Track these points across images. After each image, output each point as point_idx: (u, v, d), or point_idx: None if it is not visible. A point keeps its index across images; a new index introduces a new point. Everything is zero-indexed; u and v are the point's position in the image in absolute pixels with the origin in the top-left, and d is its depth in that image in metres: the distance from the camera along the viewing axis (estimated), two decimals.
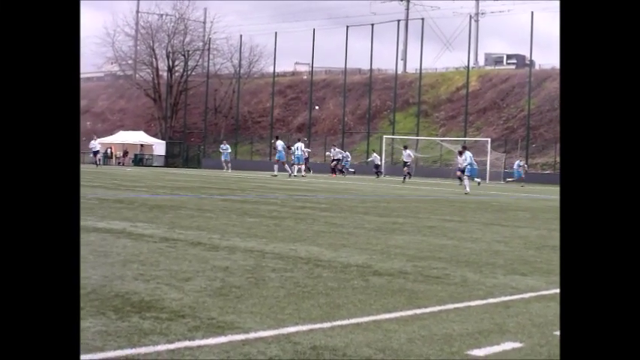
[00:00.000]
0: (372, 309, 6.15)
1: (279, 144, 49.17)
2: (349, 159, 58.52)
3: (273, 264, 8.35)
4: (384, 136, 62.33)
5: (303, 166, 49.04)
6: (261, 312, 5.86)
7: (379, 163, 56.24)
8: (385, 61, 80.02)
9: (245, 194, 23.54)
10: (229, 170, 54.07)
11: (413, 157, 50.79)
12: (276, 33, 75.75)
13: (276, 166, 48.30)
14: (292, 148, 48.80)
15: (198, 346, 4.76)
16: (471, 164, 32.50)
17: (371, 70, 73.70)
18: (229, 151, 56.87)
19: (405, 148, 49.55)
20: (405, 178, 44.85)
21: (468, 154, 32.85)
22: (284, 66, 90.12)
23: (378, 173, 53.62)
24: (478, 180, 36.28)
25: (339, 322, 5.63)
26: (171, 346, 4.72)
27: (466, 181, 32.26)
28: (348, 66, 73.93)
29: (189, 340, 4.88)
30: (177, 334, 5.02)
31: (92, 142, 59.36)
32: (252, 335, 5.10)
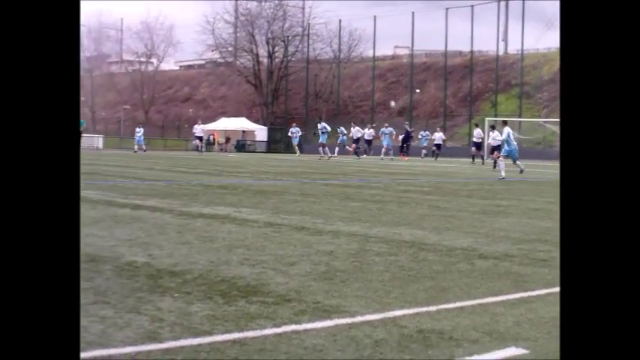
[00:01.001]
0: (478, 292, 6.09)
1: (323, 126, 49.27)
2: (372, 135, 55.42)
3: (377, 248, 8.34)
4: (487, 119, 61.61)
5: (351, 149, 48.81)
6: (366, 296, 5.86)
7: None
8: (486, 43, 78.65)
9: (347, 178, 23.56)
10: (298, 154, 53.41)
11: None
12: (375, 17, 75.58)
13: (326, 149, 47.98)
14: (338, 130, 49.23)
15: (305, 330, 4.78)
16: (508, 142, 26.70)
17: (472, 52, 72.85)
18: (300, 134, 55.62)
19: (493, 128, 42.98)
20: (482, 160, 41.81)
21: (507, 129, 26.92)
22: (383, 49, 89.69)
23: (474, 157, 51.25)
24: (520, 165, 27.63)
25: (445, 306, 5.59)
26: (278, 330, 4.76)
27: (501, 164, 26.43)
28: (448, 48, 73.30)
29: (296, 324, 4.91)
30: (283, 318, 5.06)
31: (195, 126, 58.37)
32: (358, 319, 5.10)
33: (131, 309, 5.20)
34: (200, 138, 57.79)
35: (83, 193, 14.37)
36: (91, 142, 66.84)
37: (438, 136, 55.41)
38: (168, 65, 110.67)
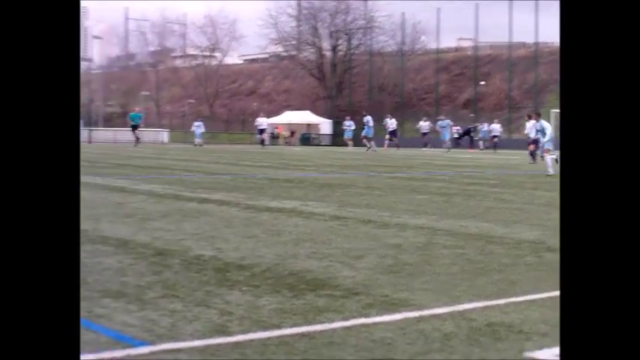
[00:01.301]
0: (547, 285, 6.01)
1: (367, 120, 49.03)
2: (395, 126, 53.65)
3: (444, 241, 8.29)
4: (552, 110, 60.88)
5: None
6: (434, 289, 5.83)
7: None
8: (550, 34, 77.58)
9: (412, 171, 23.49)
10: (350, 147, 52.45)
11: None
12: (438, 9, 75.16)
13: (372, 142, 47.69)
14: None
15: (374, 323, 4.77)
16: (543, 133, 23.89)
17: (536, 43, 72.00)
18: (353, 127, 54.68)
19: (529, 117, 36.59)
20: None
21: (543, 123, 24.31)
22: (447, 42, 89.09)
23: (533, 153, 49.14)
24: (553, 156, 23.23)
25: (513, 299, 5.54)
26: (347, 324, 4.75)
27: (547, 159, 22.73)
28: (512, 40, 72.56)
29: (365, 317, 4.90)
30: (351, 312, 5.05)
31: (258, 119, 56.45)
32: (426, 312, 5.08)
33: (200, 302, 5.24)
34: (263, 131, 55.97)
35: (150, 187, 14.53)
36: (156, 136, 67.54)
37: (496, 128, 54.87)
38: (232, 59, 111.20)
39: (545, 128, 23.97)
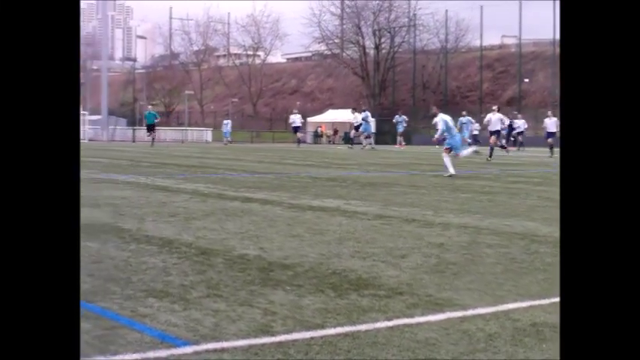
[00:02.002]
0: None
1: (402, 119, 48.75)
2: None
3: (488, 240, 8.24)
4: None
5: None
6: (478, 288, 5.80)
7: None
8: None
9: (455, 170, 23.35)
10: (400, 145, 51.03)
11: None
12: (481, 7, 74.70)
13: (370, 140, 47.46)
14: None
15: (417, 323, 4.76)
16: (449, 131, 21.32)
17: None
18: (404, 122, 53.31)
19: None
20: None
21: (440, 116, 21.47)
22: (491, 39, 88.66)
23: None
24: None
25: (558, 299, 5.48)
26: (390, 324, 4.74)
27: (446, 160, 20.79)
28: (556, 37, 71.95)
29: (408, 318, 4.88)
30: (395, 311, 5.04)
31: (292, 116, 52.42)
32: (470, 312, 5.06)
33: (243, 302, 5.25)
34: (297, 129, 51.68)
35: (194, 186, 14.61)
36: (200, 135, 67.89)
37: (519, 124, 53.70)
38: (275, 58, 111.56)
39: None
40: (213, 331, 4.53)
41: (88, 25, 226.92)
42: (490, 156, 30.53)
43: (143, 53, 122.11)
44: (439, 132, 21.37)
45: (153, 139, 45.96)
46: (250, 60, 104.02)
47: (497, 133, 34.21)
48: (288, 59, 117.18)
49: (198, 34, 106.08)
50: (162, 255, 6.97)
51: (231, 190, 13.96)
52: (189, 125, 78.29)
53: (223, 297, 5.38)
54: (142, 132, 66.70)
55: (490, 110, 36.90)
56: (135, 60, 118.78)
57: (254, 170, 20.85)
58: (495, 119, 34.62)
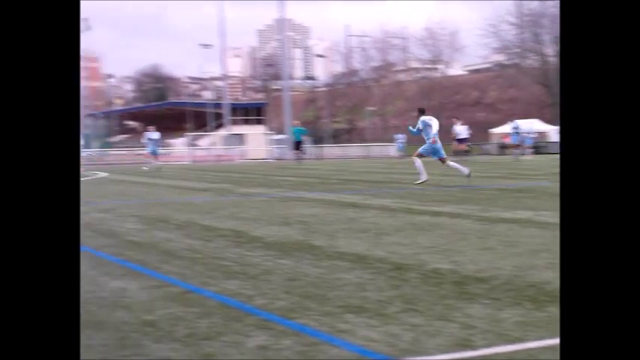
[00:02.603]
0: None
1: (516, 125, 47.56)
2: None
3: None
4: None
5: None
6: None
7: None
8: None
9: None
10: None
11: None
12: None
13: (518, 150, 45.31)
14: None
15: None
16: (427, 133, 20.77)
17: None
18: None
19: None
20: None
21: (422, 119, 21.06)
22: None
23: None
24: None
25: None
26: None
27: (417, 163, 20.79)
28: None
29: None
30: None
31: (455, 127, 48.11)
32: None
33: (441, 316, 5.23)
34: (463, 140, 47.22)
35: (381, 201, 14.70)
36: (383, 150, 68.29)
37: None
38: (455, 70, 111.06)
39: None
40: (413, 345, 4.54)
41: (267, 47, 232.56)
42: None
43: (322, 71, 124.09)
44: (416, 131, 21.12)
45: (301, 157, 44.67)
46: (430, 73, 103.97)
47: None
48: (467, 71, 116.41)
49: (376, 50, 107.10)
50: (355, 271, 7.04)
51: (418, 205, 13.96)
52: (373, 141, 78.87)
53: (420, 311, 5.38)
54: (326, 149, 67.80)
55: None
56: (315, 78, 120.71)
57: (439, 184, 20.77)
58: None
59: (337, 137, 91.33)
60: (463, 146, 46.03)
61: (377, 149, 69.69)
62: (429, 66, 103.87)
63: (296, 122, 51.96)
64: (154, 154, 36.75)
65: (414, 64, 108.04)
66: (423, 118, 20.91)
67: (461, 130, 46.49)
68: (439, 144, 20.60)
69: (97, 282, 6.73)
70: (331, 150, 69.51)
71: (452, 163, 21.14)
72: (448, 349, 4.46)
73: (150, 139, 36.97)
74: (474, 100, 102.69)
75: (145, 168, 35.91)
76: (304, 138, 45.85)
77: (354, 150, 68.66)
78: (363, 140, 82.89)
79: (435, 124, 20.46)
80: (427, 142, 20.64)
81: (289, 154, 43.28)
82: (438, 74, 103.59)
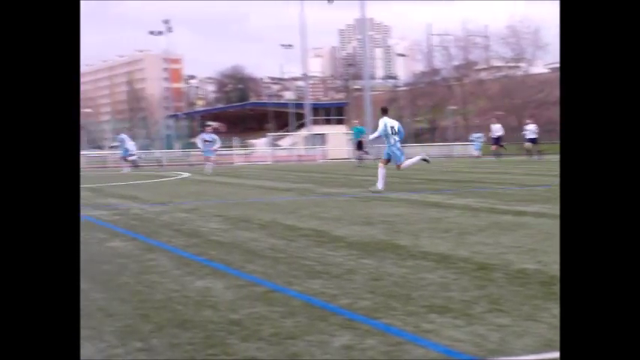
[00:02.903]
0: None
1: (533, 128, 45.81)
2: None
3: None
4: None
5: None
6: None
7: None
8: None
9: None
10: None
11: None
12: None
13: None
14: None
15: None
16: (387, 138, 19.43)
17: None
18: None
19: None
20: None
21: (382, 120, 19.80)
22: None
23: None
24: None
25: None
26: None
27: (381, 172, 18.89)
28: None
29: None
30: None
31: (492, 126, 47.53)
32: None
33: (528, 317, 5.17)
34: (499, 139, 46.80)
35: (464, 201, 14.60)
36: (465, 149, 67.75)
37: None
38: (538, 68, 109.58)
39: None
40: (500, 346, 4.49)
41: (348, 46, 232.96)
42: None
43: (403, 71, 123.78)
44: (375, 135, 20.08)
45: (361, 158, 42.25)
46: (512, 72, 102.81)
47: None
48: (550, 69, 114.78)
49: (457, 48, 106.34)
50: (439, 271, 6.99)
51: (501, 204, 13.82)
52: (454, 140, 78.39)
53: (506, 312, 5.32)
54: (407, 149, 67.61)
55: None
56: (396, 78, 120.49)
57: (523, 183, 20.52)
58: None
59: (419, 137, 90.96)
60: (494, 147, 45.77)
61: (458, 148, 69.16)
62: (511, 64, 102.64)
63: (355, 122, 51.16)
64: (208, 154, 35.08)
65: (496, 63, 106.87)
66: (385, 119, 19.52)
67: (496, 128, 46.59)
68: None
69: (182, 281, 6.80)
70: (413, 149, 69.24)
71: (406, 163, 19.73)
72: (537, 349, 4.41)
73: (206, 141, 35.16)
74: (556, 99, 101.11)
75: (208, 171, 33.76)
76: (364, 137, 42.48)
77: (435, 150, 68.25)
78: (445, 140, 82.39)
79: (396, 125, 19.46)
80: (390, 145, 19.39)
81: (362, 154, 41.56)
82: (520, 73, 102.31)
